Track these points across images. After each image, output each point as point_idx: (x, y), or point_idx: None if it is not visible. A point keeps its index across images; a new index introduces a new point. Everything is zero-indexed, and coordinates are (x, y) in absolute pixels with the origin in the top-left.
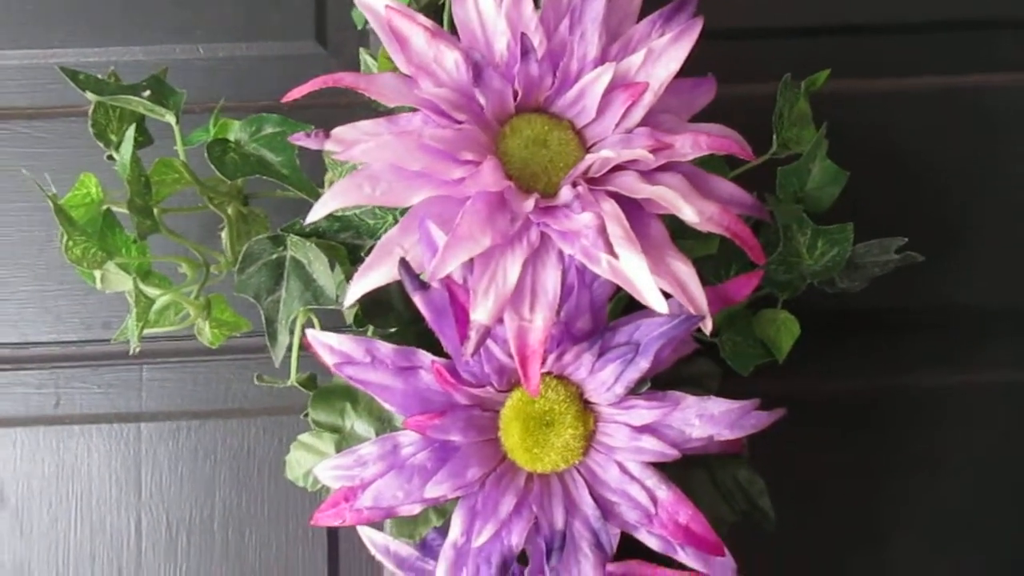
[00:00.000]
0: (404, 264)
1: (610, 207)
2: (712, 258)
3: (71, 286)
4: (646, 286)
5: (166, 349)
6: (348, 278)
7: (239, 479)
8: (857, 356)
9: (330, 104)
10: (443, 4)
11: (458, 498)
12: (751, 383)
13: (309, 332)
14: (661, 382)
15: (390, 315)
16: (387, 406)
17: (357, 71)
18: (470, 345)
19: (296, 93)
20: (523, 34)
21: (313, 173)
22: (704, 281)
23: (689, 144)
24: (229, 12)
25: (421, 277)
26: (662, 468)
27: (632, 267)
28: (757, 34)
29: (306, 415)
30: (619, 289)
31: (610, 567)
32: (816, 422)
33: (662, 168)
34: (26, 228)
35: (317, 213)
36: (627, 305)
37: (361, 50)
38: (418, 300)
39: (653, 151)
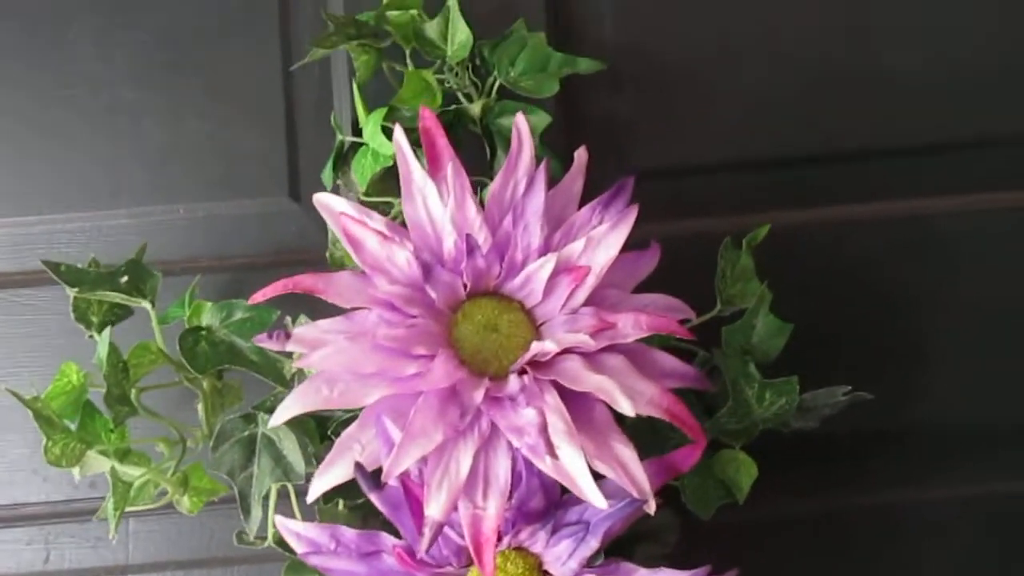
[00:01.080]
0: (359, 468)
1: (552, 400)
2: None
3: None
4: (586, 486)
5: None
6: (316, 455)
7: None
8: (817, 477)
9: (298, 261)
10: None
11: None
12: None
13: (277, 519)
14: (618, 540)
15: (357, 488)
16: None
17: (325, 232)
18: (424, 542)
19: (260, 296)
20: (468, 235)
21: None
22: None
23: (631, 325)
24: (206, 173)
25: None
26: None
27: (572, 465)
28: (697, 170)
29: None
30: None
31: None
32: (777, 544)
33: (606, 349)
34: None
35: (279, 418)
36: None
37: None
38: (375, 499)
39: (596, 331)
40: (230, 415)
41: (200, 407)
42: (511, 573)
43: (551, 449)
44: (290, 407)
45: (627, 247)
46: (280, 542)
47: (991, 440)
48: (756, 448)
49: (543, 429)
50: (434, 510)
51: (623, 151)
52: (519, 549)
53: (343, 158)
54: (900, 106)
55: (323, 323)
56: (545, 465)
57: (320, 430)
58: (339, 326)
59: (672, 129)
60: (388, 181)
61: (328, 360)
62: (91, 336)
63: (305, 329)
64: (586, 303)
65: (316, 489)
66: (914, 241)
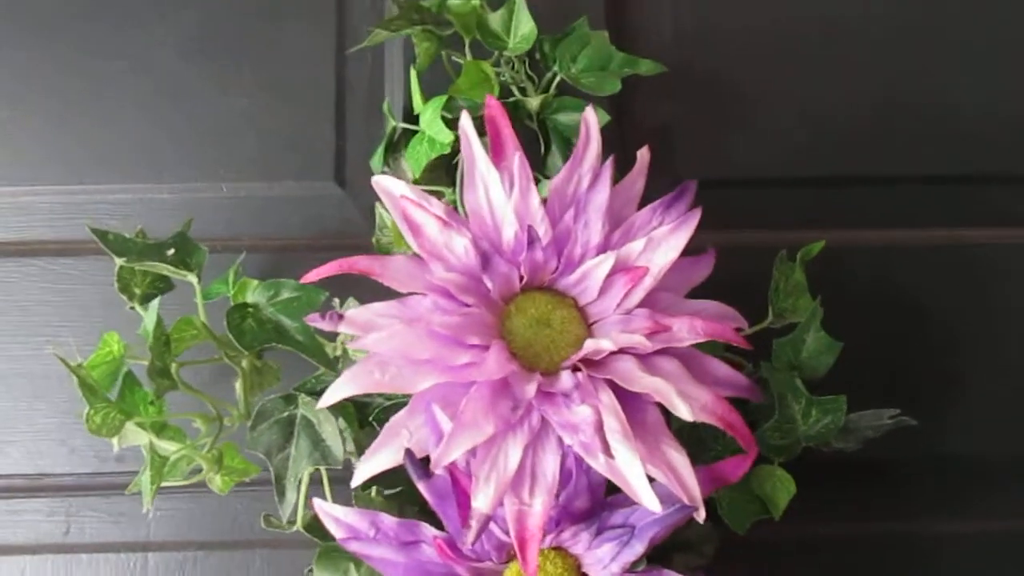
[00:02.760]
0: (409, 454)
1: (608, 399)
2: None
3: None
4: (640, 487)
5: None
6: (356, 441)
7: None
8: (855, 504)
9: (340, 247)
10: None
11: None
12: (748, 530)
13: (316, 503)
14: (657, 548)
15: (394, 476)
16: None
17: (373, 215)
18: (471, 534)
19: (314, 276)
20: (530, 226)
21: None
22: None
23: (686, 329)
24: (251, 153)
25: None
26: None
27: (627, 466)
28: (757, 183)
29: (310, 571)
30: None
31: None
32: (808, 564)
33: (660, 352)
34: (47, 362)
35: (329, 399)
36: None
37: (377, 205)
38: (422, 488)
39: (650, 333)
40: (269, 395)
41: (238, 386)
42: (549, 573)
43: (607, 448)
44: (341, 388)
45: (682, 252)
46: (310, 527)
47: None
48: (790, 466)
49: (599, 427)
50: (481, 503)
51: (672, 159)
52: (558, 549)
53: (393, 145)
54: (962, 135)
55: (376, 306)
56: (598, 464)
57: (359, 416)
58: (392, 310)
59: (724, 140)
60: (437, 171)
61: (382, 344)
62: (132, 307)
63: (358, 311)
64: (640, 305)
65: (361, 474)
66: (962, 270)
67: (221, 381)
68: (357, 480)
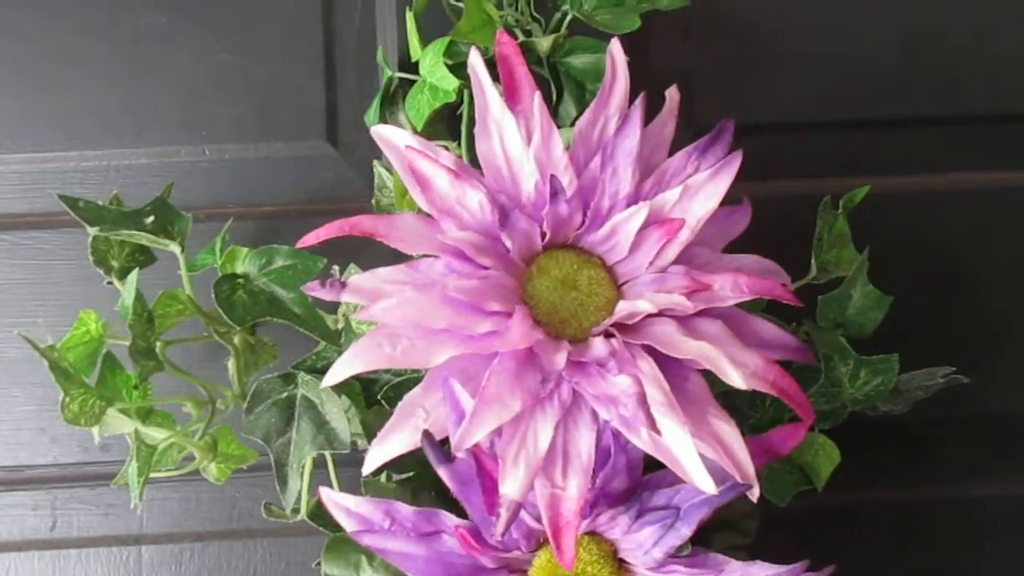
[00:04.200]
0: (428, 436)
1: (648, 367)
2: None
3: None
4: (692, 464)
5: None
6: (363, 422)
7: None
8: (895, 466)
9: (335, 211)
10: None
11: None
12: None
13: (324, 492)
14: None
15: (406, 459)
16: (409, 573)
17: (370, 174)
18: (501, 524)
19: (312, 239)
20: (553, 176)
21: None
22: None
23: (729, 287)
24: (236, 112)
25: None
26: None
27: (676, 442)
28: (783, 128)
29: (318, 564)
30: None
31: None
32: (853, 533)
33: (701, 313)
34: (21, 345)
35: (334, 377)
36: None
37: (375, 163)
38: (443, 473)
39: (690, 293)
40: (266, 374)
41: (231, 365)
42: (583, 560)
43: (652, 422)
44: (347, 365)
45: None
46: (315, 515)
47: None
48: (831, 433)
49: (642, 399)
50: (511, 488)
51: (691, 105)
52: (592, 534)
53: (390, 97)
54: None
55: (383, 271)
56: (641, 440)
57: (366, 394)
58: (401, 276)
59: (746, 84)
60: (437, 125)
61: (392, 312)
62: (109, 283)
63: (363, 277)
64: (675, 262)
65: (374, 460)
66: (1004, 215)
67: (212, 361)
68: (369, 467)
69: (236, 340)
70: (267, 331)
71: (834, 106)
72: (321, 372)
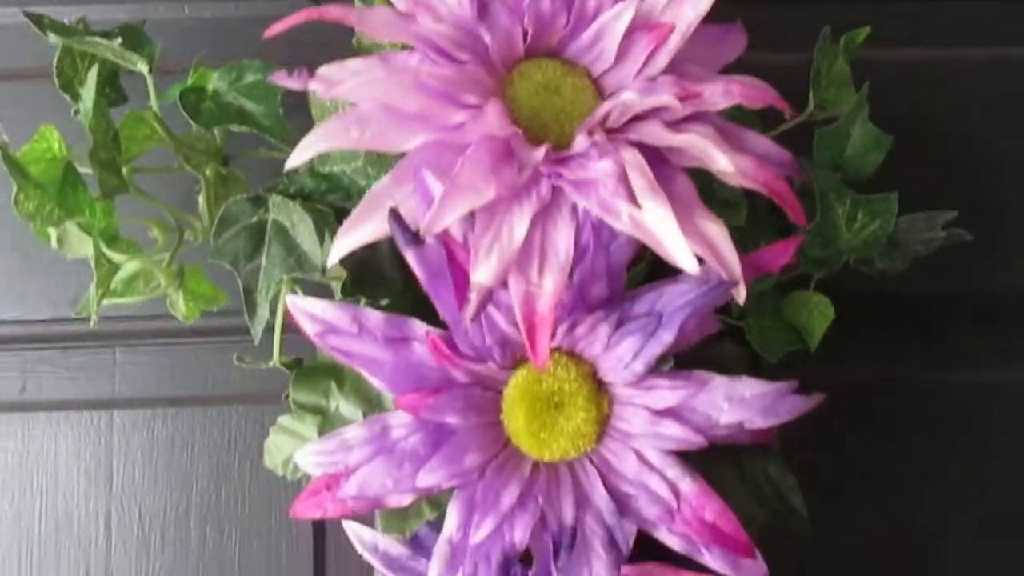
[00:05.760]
0: (395, 215)
1: (631, 156)
2: (739, 231)
3: (37, 261)
4: (674, 240)
5: (142, 330)
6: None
7: (218, 471)
8: (891, 346)
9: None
10: None
11: (454, 488)
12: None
13: (290, 298)
14: (682, 364)
15: (381, 284)
16: (375, 382)
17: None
18: (470, 309)
19: (279, 27)
20: None
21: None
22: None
23: (720, 93)
24: None
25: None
26: (685, 458)
27: (657, 219)
28: None
29: (287, 397)
30: (640, 254)
31: (625, 569)
32: (842, 415)
33: (689, 118)
34: None
35: (299, 157)
36: (646, 277)
37: None
38: (410, 257)
39: (680, 99)
40: (236, 199)
41: (201, 197)
42: (560, 378)
43: (631, 197)
44: (312, 144)
45: (708, 20)
46: (288, 364)
47: None
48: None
49: (622, 177)
50: (482, 275)
51: None
52: (571, 353)
53: None
54: None
55: (354, 61)
56: (622, 222)
57: (338, 216)
58: (374, 65)
59: None
60: None
61: (361, 90)
62: (76, 111)
63: (332, 67)
64: (665, 73)
65: (339, 249)
66: (1016, 91)
67: (182, 202)
68: (334, 257)
69: (207, 171)
70: (238, 164)
71: None
72: (293, 196)
